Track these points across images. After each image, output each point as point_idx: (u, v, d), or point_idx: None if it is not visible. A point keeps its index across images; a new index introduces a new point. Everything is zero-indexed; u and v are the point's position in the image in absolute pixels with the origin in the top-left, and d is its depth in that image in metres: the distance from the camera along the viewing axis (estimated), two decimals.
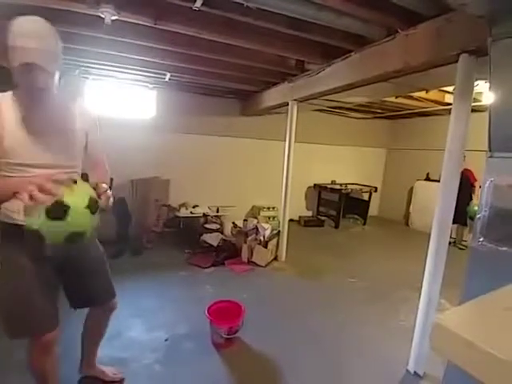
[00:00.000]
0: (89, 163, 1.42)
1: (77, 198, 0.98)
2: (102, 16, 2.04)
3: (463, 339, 0.46)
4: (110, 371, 1.80)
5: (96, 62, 3.36)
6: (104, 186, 1.15)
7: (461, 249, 4.81)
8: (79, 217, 0.97)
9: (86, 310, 1.60)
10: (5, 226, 1.17)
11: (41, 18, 1.13)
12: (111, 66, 3.49)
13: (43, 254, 1.23)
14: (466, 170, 4.36)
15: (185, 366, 2.00)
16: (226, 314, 2.25)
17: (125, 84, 4.28)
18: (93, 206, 1.00)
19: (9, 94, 1.19)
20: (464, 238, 4.95)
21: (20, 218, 1.10)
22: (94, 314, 1.60)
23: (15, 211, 1.15)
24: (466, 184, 4.37)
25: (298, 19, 2.15)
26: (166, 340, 2.24)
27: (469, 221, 4.68)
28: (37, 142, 1.17)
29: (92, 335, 1.68)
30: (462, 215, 4.39)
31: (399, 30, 2.15)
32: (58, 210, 0.93)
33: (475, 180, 4.62)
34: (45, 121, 1.21)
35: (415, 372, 2.03)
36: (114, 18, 2.06)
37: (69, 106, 1.33)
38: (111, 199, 1.17)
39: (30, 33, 1.08)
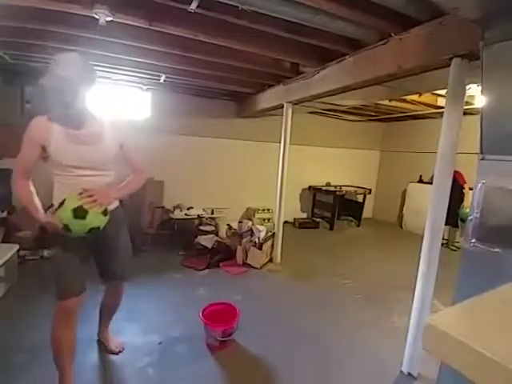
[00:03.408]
0: (129, 168, 1.77)
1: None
2: (97, 17, 2.03)
3: (455, 339, 0.47)
4: (113, 343, 2.09)
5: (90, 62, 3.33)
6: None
7: (453, 250, 4.86)
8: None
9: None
10: None
11: (75, 54, 1.54)
12: (105, 67, 3.47)
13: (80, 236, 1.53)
14: (455, 171, 4.39)
15: (179, 370, 1.98)
16: (220, 317, 2.24)
17: (119, 85, 4.25)
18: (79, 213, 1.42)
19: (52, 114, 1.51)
20: (456, 240, 5.00)
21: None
22: (108, 292, 2.00)
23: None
24: (456, 186, 4.41)
25: (293, 22, 2.16)
26: (159, 343, 2.22)
27: (460, 222, 4.73)
28: (76, 150, 1.51)
29: (105, 310, 2.06)
30: (452, 217, 4.43)
31: (392, 34, 2.17)
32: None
33: (464, 182, 4.66)
34: (81, 134, 1.53)
35: (409, 373, 2.04)
36: (108, 19, 2.05)
37: (102, 123, 1.62)
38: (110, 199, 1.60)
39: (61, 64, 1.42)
